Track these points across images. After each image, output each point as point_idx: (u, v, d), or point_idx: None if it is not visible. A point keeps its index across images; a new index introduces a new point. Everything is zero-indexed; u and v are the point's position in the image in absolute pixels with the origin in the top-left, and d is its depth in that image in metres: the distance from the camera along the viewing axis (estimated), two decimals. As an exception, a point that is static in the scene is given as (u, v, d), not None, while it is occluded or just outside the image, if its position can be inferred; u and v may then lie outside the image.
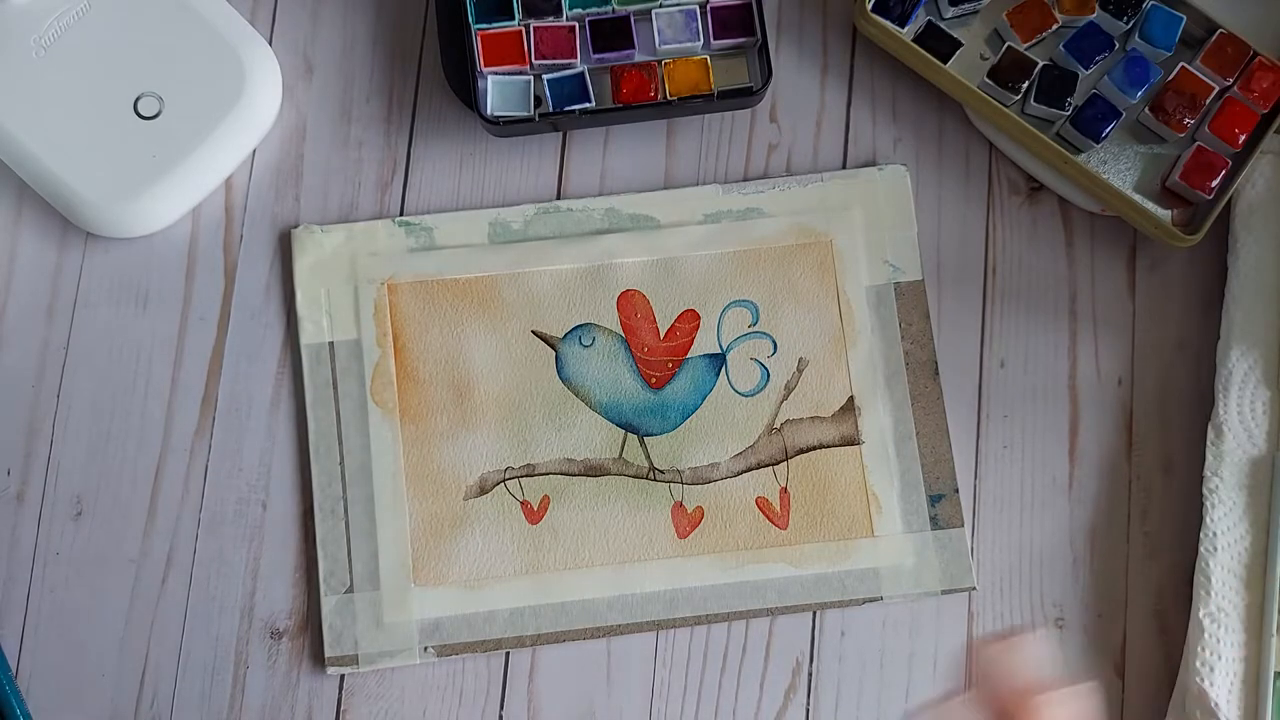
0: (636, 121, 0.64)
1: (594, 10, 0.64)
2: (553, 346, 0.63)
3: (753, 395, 0.63)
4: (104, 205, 0.62)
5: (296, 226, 0.64)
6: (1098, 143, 0.62)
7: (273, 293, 0.64)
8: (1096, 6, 0.63)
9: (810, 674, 0.61)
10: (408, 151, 0.66)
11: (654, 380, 0.63)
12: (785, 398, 0.63)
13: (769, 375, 0.63)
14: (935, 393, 0.63)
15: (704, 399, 0.63)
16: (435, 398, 0.63)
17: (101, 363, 0.63)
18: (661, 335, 0.64)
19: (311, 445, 0.62)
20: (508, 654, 0.61)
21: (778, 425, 0.63)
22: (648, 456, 0.63)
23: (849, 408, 0.63)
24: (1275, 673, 0.58)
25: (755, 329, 0.64)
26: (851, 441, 0.63)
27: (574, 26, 0.63)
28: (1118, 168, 0.63)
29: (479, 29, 0.63)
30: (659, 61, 0.63)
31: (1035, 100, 0.62)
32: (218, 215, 0.65)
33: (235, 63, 0.63)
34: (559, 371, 0.63)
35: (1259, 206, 0.63)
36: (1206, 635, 0.59)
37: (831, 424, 0.63)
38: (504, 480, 0.62)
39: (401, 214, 0.65)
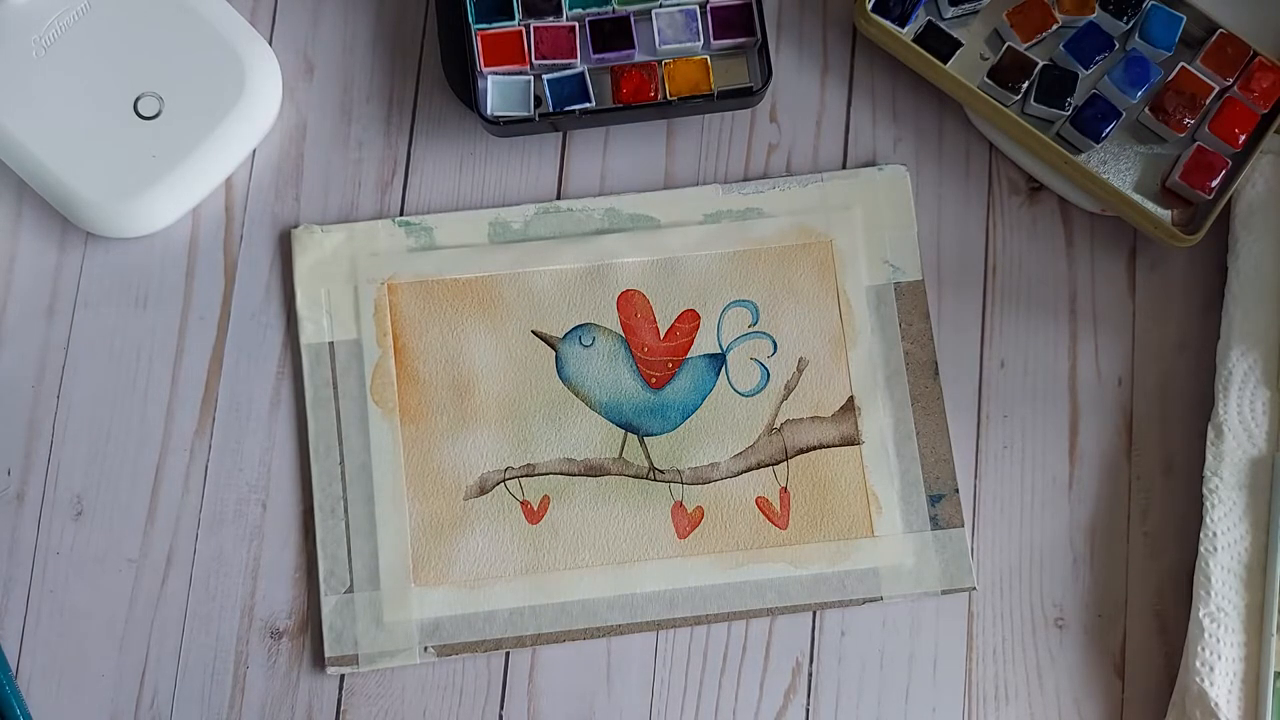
0: (636, 121, 0.64)
1: (594, 10, 0.64)
2: (553, 346, 0.63)
3: (753, 395, 0.63)
4: (104, 205, 0.62)
5: (296, 226, 0.64)
6: (1098, 143, 0.62)
7: (273, 293, 0.64)
8: (1096, 6, 0.63)
9: (810, 674, 0.61)
10: (408, 151, 0.66)
11: (654, 380, 0.63)
12: (785, 398, 0.63)
13: (769, 375, 0.63)
14: (935, 393, 0.63)
15: (704, 399, 0.63)
16: (435, 398, 0.63)
17: (101, 363, 0.63)
18: (661, 335, 0.64)
19: (311, 445, 0.62)
20: (508, 654, 0.61)
21: (778, 425, 0.63)
22: (648, 456, 0.63)
23: (849, 408, 0.63)
24: (1275, 673, 0.58)
25: (755, 329, 0.64)
26: (851, 441, 0.63)
27: (574, 26, 0.63)
28: (1118, 168, 0.63)
29: (479, 29, 0.63)
30: (659, 61, 0.63)
31: (1035, 100, 0.62)
32: (218, 215, 0.65)
33: (235, 63, 0.63)
34: (559, 371, 0.63)
35: (1259, 206, 0.63)
36: (1206, 635, 0.59)
37: (831, 424, 0.63)
38: (504, 480, 0.62)
39: (401, 214, 0.65)
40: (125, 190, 0.62)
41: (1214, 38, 0.63)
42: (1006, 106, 0.63)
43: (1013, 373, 0.64)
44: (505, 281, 0.64)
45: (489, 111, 0.63)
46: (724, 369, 0.63)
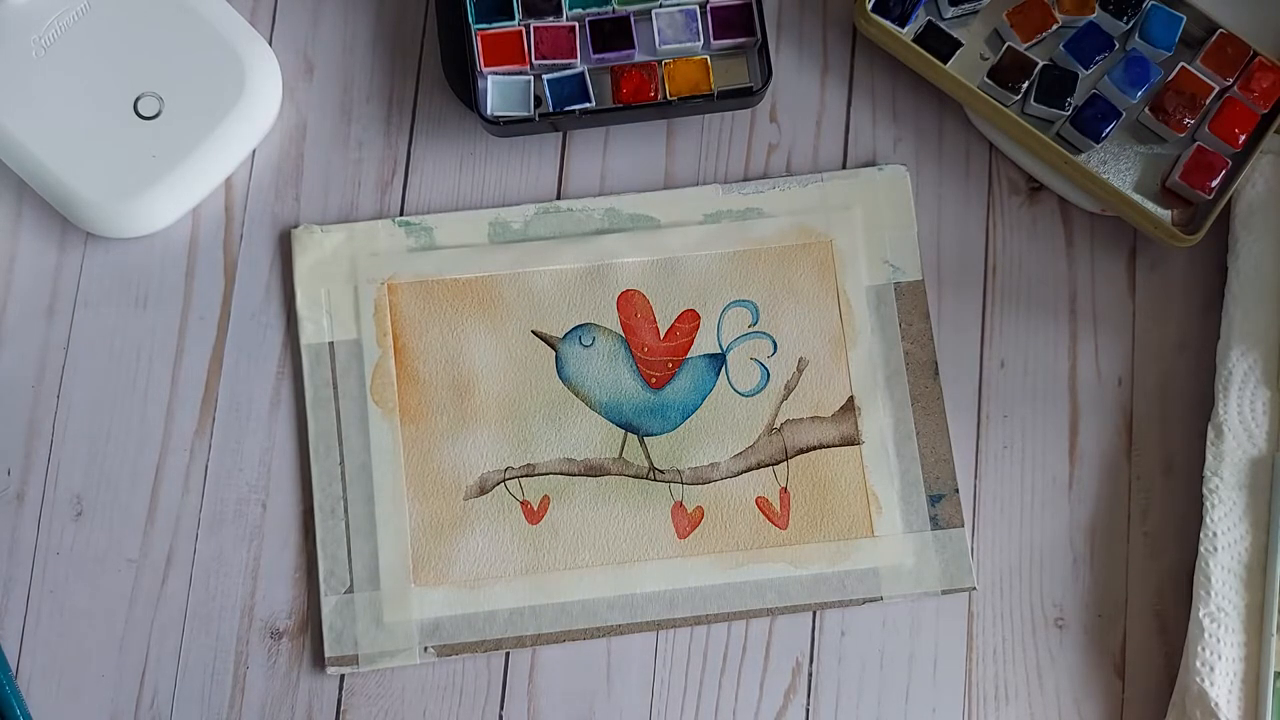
0: (636, 121, 0.64)
1: (594, 10, 0.64)
2: (553, 346, 0.63)
3: (753, 395, 0.63)
4: (104, 205, 0.62)
5: (296, 226, 0.64)
6: (1098, 143, 0.62)
7: (273, 293, 0.64)
8: (1096, 6, 0.63)
9: (810, 674, 0.61)
10: (408, 151, 0.66)
11: (654, 380, 0.63)
12: (785, 398, 0.63)
13: (769, 375, 0.63)
14: (935, 393, 0.63)
15: (704, 399, 0.63)
16: (435, 398, 0.63)
17: (101, 363, 0.63)
18: (661, 335, 0.64)
19: (311, 445, 0.62)
20: (508, 654, 0.61)
21: (778, 425, 0.63)
22: (648, 456, 0.63)
23: (849, 408, 0.63)
24: (1275, 673, 0.58)
25: (755, 329, 0.64)
26: (851, 441, 0.63)
27: (574, 26, 0.63)
28: (1118, 168, 0.63)
29: (479, 29, 0.63)
30: (659, 61, 0.63)
31: (1035, 100, 0.62)
32: (218, 215, 0.65)
33: (235, 63, 0.63)
34: (559, 371, 0.63)
35: (1259, 206, 0.63)
36: (1206, 635, 0.59)
37: (831, 424, 0.63)
38: (504, 480, 0.62)
39: (401, 214, 0.65)
40: (125, 190, 0.62)
41: (1214, 38, 0.63)
42: (1006, 106, 0.63)
43: (1013, 373, 0.64)
44: (505, 281, 0.64)
45: (489, 111, 0.63)
46: (724, 369, 0.63)
